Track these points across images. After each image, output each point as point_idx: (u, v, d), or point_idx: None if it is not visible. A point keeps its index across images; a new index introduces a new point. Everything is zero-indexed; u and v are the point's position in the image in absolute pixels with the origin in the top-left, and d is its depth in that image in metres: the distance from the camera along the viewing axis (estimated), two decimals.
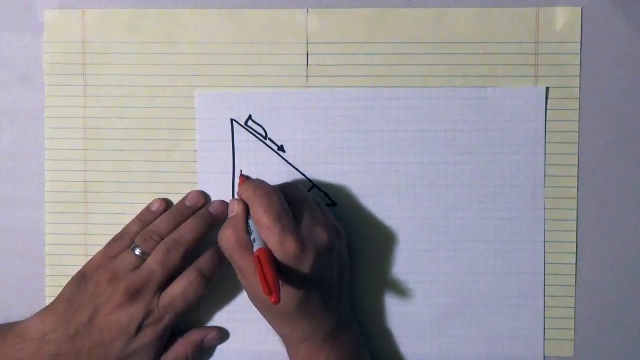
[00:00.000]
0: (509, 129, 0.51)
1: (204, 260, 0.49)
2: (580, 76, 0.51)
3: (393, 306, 0.52)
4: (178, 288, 0.48)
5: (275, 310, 0.45)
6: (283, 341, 0.48)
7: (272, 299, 0.40)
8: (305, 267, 0.44)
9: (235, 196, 0.51)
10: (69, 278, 0.49)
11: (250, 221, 0.45)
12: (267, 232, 0.43)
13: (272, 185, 0.46)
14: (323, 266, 0.45)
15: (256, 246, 0.43)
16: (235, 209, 0.46)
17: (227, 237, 0.45)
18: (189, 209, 0.51)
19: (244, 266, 0.44)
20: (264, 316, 0.48)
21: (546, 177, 0.51)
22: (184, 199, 0.51)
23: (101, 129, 0.52)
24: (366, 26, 0.51)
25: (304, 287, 0.44)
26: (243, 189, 0.46)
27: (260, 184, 0.46)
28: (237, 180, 0.51)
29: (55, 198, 0.52)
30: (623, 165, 0.51)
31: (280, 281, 0.42)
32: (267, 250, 0.43)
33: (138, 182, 0.52)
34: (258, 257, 0.42)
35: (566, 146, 0.51)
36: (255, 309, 0.47)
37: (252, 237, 0.44)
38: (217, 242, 0.48)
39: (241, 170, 0.51)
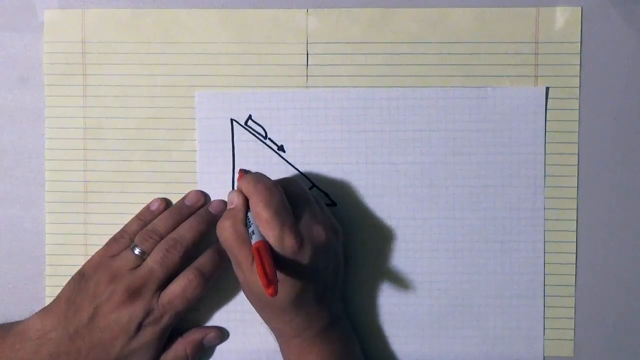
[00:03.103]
0: (509, 129, 0.51)
1: (204, 260, 0.49)
2: (580, 76, 0.51)
3: (393, 306, 0.52)
4: (178, 287, 0.48)
5: (270, 305, 0.45)
6: (275, 336, 0.48)
7: (269, 291, 0.40)
8: (303, 263, 0.44)
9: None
10: (69, 278, 0.49)
11: (249, 214, 0.45)
12: (266, 226, 0.43)
13: (273, 180, 0.46)
14: (319, 263, 0.45)
15: (255, 239, 0.43)
16: (235, 202, 0.46)
17: (225, 229, 0.45)
18: (189, 209, 0.51)
19: (241, 259, 0.44)
20: (258, 311, 0.48)
21: (546, 177, 0.51)
22: (183, 198, 0.51)
23: (101, 129, 0.52)
24: (366, 26, 0.51)
25: (300, 283, 0.44)
26: (243, 182, 0.46)
27: (260, 178, 0.46)
28: (237, 175, 0.51)
29: (55, 198, 0.52)
30: (623, 165, 0.51)
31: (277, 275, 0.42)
32: (265, 242, 0.43)
33: (138, 182, 0.52)
34: (257, 248, 0.42)
35: (566, 146, 0.51)
36: (254, 308, 0.48)
37: (251, 231, 0.44)
38: (218, 242, 0.48)
39: (240, 168, 0.51)
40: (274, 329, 0.48)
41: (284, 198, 0.45)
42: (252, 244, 0.43)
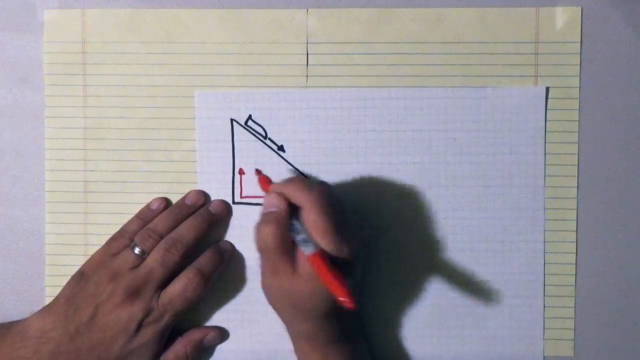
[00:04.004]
0: (509, 129, 0.51)
1: (204, 260, 0.49)
2: (580, 76, 0.51)
3: (393, 306, 0.52)
4: (178, 287, 0.48)
5: (307, 312, 0.45)
6: (293, 337, 0.48)
7: (350, 305, 0.40)
8: (350, 274, 0.44)
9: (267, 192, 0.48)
10: (69, 278, 0.49)
11: (295, 221, 0.43)
12: (325, 237, 0.42)
13: (324, 188, 0.45)
14: (358, 273, 0.46)
15: (310, 249, 0.42)
16: (278, 205, 0.44)
17: (268, 235, 0.43)
18: (189, 208, 0.50)
19: (281, 265, 0.44)
20: (286, 317, 0.47)
21: (546, 177, 0.51)
22: (184, 198, 0.51)
23: (101, 129, 0.52)
24: (366, 26, 0.51)
25: None
26: (291, 187, 0.44)
27: (311, 184, 0.45)
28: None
29: (55, 198, 0.52)
30: (623, 165, 0.51)
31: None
32: (325, 253, 0.42)
33: (138, 182, 0.52)
34: (320, 259, 0.41)
35: (566, 146, 0.51)
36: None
37: (298, 238, 0.43)
38: (218, 242, 0.48)
39: (256, 169, 0.51)
40: (304, 335, 0.47)
41: (341, 207, 0.44)
42: (304, 252, 0.42)
